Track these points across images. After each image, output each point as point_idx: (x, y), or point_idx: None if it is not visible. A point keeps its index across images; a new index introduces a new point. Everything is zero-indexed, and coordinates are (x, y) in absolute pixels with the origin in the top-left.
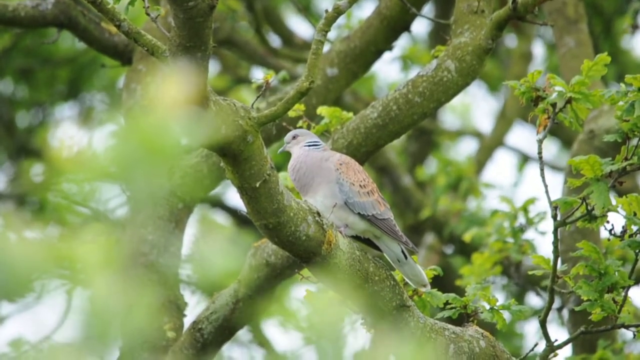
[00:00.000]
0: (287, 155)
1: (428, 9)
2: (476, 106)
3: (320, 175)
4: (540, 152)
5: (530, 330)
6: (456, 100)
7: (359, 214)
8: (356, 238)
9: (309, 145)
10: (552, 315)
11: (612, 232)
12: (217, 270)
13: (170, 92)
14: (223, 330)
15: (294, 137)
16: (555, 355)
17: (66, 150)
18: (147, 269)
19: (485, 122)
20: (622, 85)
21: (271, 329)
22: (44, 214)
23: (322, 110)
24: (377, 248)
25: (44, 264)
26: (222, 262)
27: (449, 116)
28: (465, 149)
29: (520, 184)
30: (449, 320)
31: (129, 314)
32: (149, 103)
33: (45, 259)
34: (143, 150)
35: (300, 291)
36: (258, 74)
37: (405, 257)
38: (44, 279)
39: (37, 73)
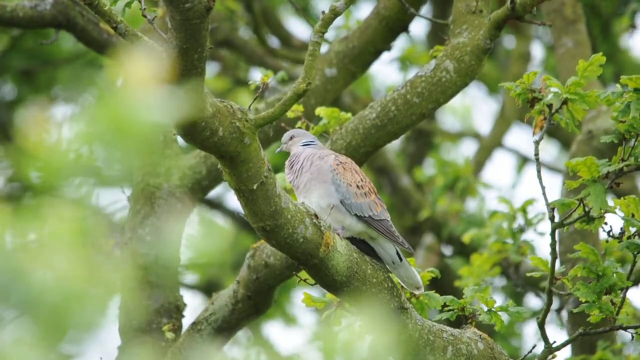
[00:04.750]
0: (285, 157)
1: (426, 9)
2: (476, 108)
3: (314, 175)
4: (537, 154)
5: (530, 331)
6: (457, 103)
7: (355, 215)
8: (351, 239)
9: (305, 145)
10: (551, 316)
11: (611, 233)
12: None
13: (140, 71)
14: (222, 331)
15: (291, 138)
16: (553, 357)
17: (36, 134)
18: (145, 270)
19: (485, 124)
20: (618, 86)
21: (271, 330)
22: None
23: (320, 111)
24: (371, 249)
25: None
26: (209, 241)
27: (449, 118)
28: (466, 150)
29: (519, 185)
30: (447, 322)
31: (128, 315)
32: (120, 83)
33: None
34: (113, 128)
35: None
36: (257, 75)
37: (400, 259)
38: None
39: (37, 74)
